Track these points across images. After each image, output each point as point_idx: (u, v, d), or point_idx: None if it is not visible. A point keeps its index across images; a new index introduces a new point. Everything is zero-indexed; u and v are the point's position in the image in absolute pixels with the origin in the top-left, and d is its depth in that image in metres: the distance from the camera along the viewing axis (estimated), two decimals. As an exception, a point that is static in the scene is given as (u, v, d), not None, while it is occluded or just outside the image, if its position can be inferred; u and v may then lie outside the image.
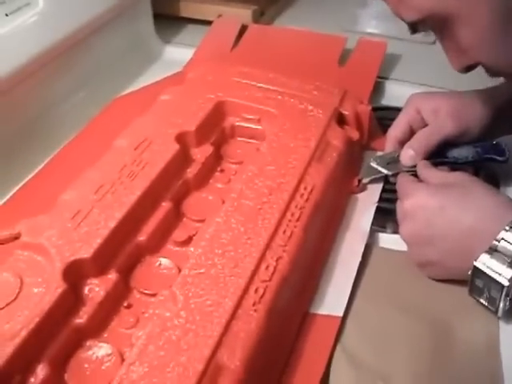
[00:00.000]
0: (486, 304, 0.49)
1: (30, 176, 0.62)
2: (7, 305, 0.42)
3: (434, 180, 0.55)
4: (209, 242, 0.47)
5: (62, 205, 0.50)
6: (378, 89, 0.79)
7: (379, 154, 0.62)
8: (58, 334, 0.42)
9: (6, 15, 0.60)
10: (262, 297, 0.43)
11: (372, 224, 0.58)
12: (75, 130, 0.68)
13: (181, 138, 0.57)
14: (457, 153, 0.60)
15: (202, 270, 0.44)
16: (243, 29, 0.86)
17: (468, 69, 0.51)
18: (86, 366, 0.42)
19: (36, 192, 0.58)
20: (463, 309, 0.50)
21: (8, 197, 0.59)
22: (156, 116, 0.60)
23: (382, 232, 0.58)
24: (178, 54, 0.87)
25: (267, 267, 0.45)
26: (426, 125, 0.60)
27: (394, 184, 0.58)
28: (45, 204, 0.51)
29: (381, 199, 0.60)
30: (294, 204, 0.51)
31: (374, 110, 0.69)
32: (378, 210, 0.59)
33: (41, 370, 0.40)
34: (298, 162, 0.54)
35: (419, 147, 0.58)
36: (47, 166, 0.63)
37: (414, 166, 0.58)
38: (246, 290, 0.43)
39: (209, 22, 0.89)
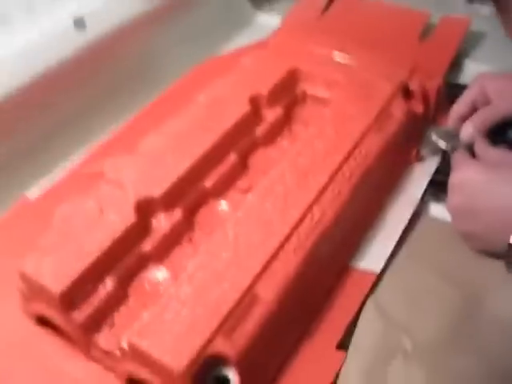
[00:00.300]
0: None
1: (123, 121, 0.70)
2: (87, 228, 0.50)
3: (488, 157, 0.58)
4: (264, 191, 0.53)
5: (142, 148, 0.57)
6: (457, 66, 0.81)
7: (441, 128, 0.65)
8: (126, 256, 0.49)
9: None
10: (303, 243, 0.48)
11: (427, 194, 0.62)
12: (168, 85, 0.75)
13: (253, 100, 0.63)
14: None
15: (252, 214, 0.50)
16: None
17: None
18: (146, 284, 0.49)
19: (125, 137, 0.66)
20: (499, 283, 0.53)
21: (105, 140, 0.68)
22: (235, 78, 0.66)
23: (436, 202, 0.62)
24: (269, 20, 0.92)
25: (312, 218, 0.50)
26: (489, 104, 0.63)
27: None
28: (130, 147, 0.58)
29: (438, 172, 0.64)
30: (347, 166, 0.55)
31: (449, 86, 0.72)
32: (435, 182, 0.63)
33: (109, 282, 0.47)
34: (356, 128, 0.59)
35: (479, 123, 0.61)
36: (138, 116, 0.70)
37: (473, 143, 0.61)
38: (289, 236, 0.48)
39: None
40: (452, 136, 0.63)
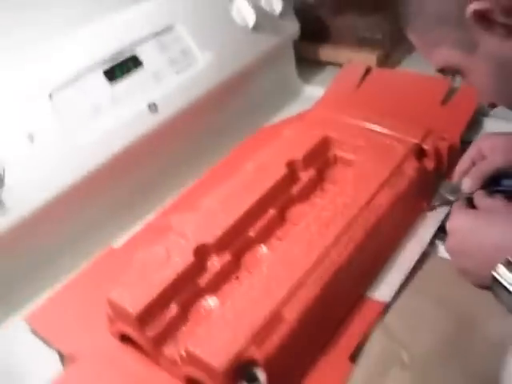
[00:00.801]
0: (506, 307, 0.63)
1: (188, 185, 0.87)
2: (158, 267, 0.65)
3: (484, 206, 0.70)
4: (293, 238, 0.67)
5: (201, 206, 0.73)
6: (475, 125, 0.94)
7: (449, 183, 0.78)
8: (186, 288, 0.65)
9: (177, 73, 0.86)
10: (321, 277, 0.62)
11: (437, 238, 0.74)
12: (223, 154, 0.92)
13: (290, 164, 0.78)
14: (510, 182, 0.74)
15: (283, 255, 0.65)
16: (369, 71, 1.05)
17: (492, 105, 0.68)
18: (202, 310, 0.65)
19: (188, 198, 0.83)
20: (490, 312, 0.64)
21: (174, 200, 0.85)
22: (275, 147, 0.82)
23: (443, 245, 0.74)
24: (314, 92, 1.07)
25: (329, 258, 0.64)
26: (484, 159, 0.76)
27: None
28: (192, 206, 0.75)
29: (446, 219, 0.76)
30: (362, 216, 0.69)
31: (467, 143, 0.84)
32: (444, 229, 0.75)
33: (173, 308, 0.63)
34: (372, 185, 0.72)
35: (475, 176, 0.73)
36: (202, 180, 0.87)
37: (472, 193, 0.74)
38: (310, 271, 0.63)
39: (342, 65, 1.09)
40: (457, 189, 0.76)
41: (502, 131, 0.80)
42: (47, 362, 0.68)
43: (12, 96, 0.74)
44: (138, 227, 0.83)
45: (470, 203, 0.73)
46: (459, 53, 0.62)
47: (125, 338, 0.66)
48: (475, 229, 0.65)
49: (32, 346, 0.71)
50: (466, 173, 0.76)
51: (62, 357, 0.68)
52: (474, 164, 0.76)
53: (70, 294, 0.74)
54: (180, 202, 0.83)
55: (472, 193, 0.73)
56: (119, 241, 0.81)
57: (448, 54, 0.63)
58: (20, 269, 0.76)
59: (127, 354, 0.65)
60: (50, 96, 0.76)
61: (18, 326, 0.73)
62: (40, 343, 0.71)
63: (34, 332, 0.72)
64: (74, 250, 0.79)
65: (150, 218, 0.83)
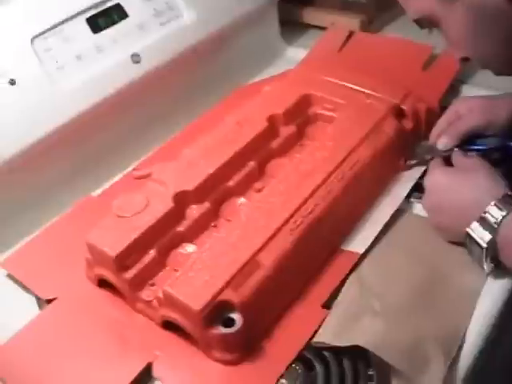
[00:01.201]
0: (477, 263, 0.65)
1: (170, 138, 0.87)
2: (137, 213, 0.66)
3: (460, 164, 0.72)
4: (271, 189, 0.68)
5: (181, 156, 0.74)
6: (454, 91, 0.95)
7: (425, 143, 0.79)
8: (165, 234, 0.65)
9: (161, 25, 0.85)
10: (297, 227, 0.64)
11: (412, 196, 0.76)
12: (205, 108, 0.92)
13: (271, 119, 0.79)
14: (484, 142, 0.75)
15: (261, 205, 0.66)
16: (351, 35, 1.05)
17: (464, 59, 0.68)
18: (179, 256, 0.65)
19: (171, 149, 0.83)
20: (462, 265, 0.66)
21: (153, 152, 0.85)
22: (257, 102, 0.82)
23: (419, 203, 0.76)
24: (297, 54, 1.07)
25: (306, 209, 0.65)
26: None
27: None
28: (173, 156, 0.75)
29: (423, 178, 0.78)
30: (340, 170, 0.70)
31: (444, 108, 0.85)
32: (421, 186, 0.77)
33: (151, 253, 0.64)
34: (351, 141, 0.73)
35: (451, 134, 0.75)
36: (181, 133, 0.88)
37: (447, 152, 0.75)
38: (287, 221, 0.64)
39: (325, 28, 1.09)
40: (432, 149, 0.77)
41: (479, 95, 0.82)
42: (24, 307, 0.68)
43: (-7, 40, 0.74)
44: (117, 178, 0.83)
45: (447, 162, 0.74)
46: (438, 1, 0.62)
47: (102, 284, 0.67)
48: (452, 185, 0.67)
49: (8, 291, 0.71)
50: (441, 134, 0.77)
51: (39, 302, 0.69)
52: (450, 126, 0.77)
53: (47, 239, 0.75)
54: (160, 154, 0.83)
55: (447, 151, 0.75)
56: (99, 191, 0.82)
57: (427, 2, 0.63)
58: (-2, 215, 0.76)
59: (104, 298, 0.66)
60: (32, 41, 0.76)
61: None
62: (17, 288, 0.71)
63: (11, 276, 0.72)
64: (52, 199, 0.79)
65: (129, 169, 0.83)
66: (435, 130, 0.78)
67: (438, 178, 0.69)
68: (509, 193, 0.63)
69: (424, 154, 0.78)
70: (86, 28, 0.80)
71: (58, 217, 0.78)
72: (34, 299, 0.69)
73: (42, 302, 0.68)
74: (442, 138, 0.75)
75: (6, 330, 0.64)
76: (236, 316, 0.57)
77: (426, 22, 0.67)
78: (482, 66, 0.69)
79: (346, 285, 0.64)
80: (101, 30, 0.81)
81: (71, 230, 0.75)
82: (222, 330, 0.56)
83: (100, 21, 0.82)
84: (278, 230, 0.63)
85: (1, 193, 0.75)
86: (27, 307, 0.69)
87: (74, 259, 0.70)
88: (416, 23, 0.68)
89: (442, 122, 0.78)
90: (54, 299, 0.67)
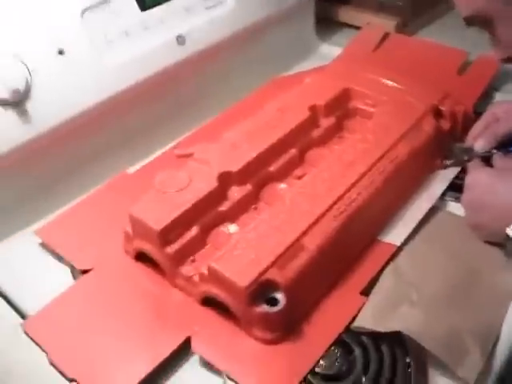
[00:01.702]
0: None
1: (206, 120, 0.88)
2: (180, 190, 0.66)
3: (500, 165, 0.72)
4: (314, 176, 0.69)
5: (224, 138, 0.74)
6: (488, 97, 0.96)
7: (462, 144, 0.80)
8: (208, 213, 0.66)
9: (206, 9, 0.86)
10: (341, 213, 0.64)
11: (447, 195, 0.76)
12: (241, 97, 0.93)
13: (312, 109, 0.79)
14: None
15: (305, 190, 0.66)
16: (386, 36, 1.06)
17: (507, 60, 0.68)
18: (221, 235, 0.66)
19: (211, 130, 0.84)
20: (498, 264, 0.67)
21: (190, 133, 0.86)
22: (299, 92, 0.83)
23: (454, 202, 0.77)
24: (330, 50, 1.08)
25: (350, 197, 0.66)
26: None
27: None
28: (214, 138, 0.76)
29: (458, 178, 0.78)
30: (381, 163, 0.71)
31: (478, 114, 0.86)
32: (455, 186, 0.77)
33: (194, 229, 0.64)
34: (391, 137, 0.74)
35: (488, 136, 0.76)
36: (219, 116, 0.89)
37: (484, 154, 0.75)
38: (331, 207, 0.64)
39: (360, 28, 1.10)
40: (469, 150, 0.78)
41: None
42: (58, 277, 0.69)
43: (45, 10, 0.74)
44: (154, 157, 0.83)
45: (485, 163, 0.75)
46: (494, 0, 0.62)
47: (139, 258, 0.67)
48: (492, 185, 0.67)
49: (43, 260, 0.71)
50: (479, 136, 0.78)
51: (74, 272, 0.69)
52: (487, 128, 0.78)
53: (82, 211, 0.75)
54: (199, 135, 0.84)
55: (484, 153, 0.75)
56: (135, 168, 0.82)
57: (481, 0, 0.64)
58: (34, 184, 0.77)
59: (141, 271, 0.67)
60: (82, 14, 0.76)
61: (28, 239, 0.73)
62: (50, 257, 0.71)
63: (45, 246, 0.72)
64: (88, 172, 0.80)
65: (167, 148, 0.84)
66: (472, 132, 0.78)
67: (480, 177, 0.70)
68: None
69: (461, 154, 0.79)
70: (134, 5, 0.81)
71: (94, 190, 0.78)
72: (67, 270, 0.70)
73: (77, 273, 0.68)
74: (479, 140, 0.76)
75: (41, 300, 0.65)
76: (280, 296, 0.57)
77: (477, 21, 0.68)
78: None
79: (384, 275, 0.65)
80: (148, 7, 0.82)
81: (107, 203, 0.76)
82: (266, 308, 0.57)
83: (148, -1, 0.82)
84: (322, 215, 0.63)
85: (39, 160, 0.75)
86: (61, 277, 0.69)
87: (109, 232, 0.71)
88: (465, 21, 0.68)
89: (479, 125, 0.79)
90: (90, 270, 0.67)
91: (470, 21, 0.68)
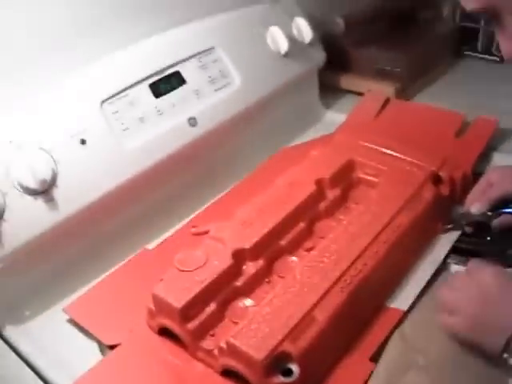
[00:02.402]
0: None
1: (219, 195, 0.94)
2: (197, 268, 0.72)
3: (471, 267, 0.70)
4: (322, 249, 0.74)
5: (237, 216, 0.80)
6: (487, 158, 1.01)
7: (459, 208, 0.85)
8: (224, 289, 0.71)
9: (215, 91, 0.93)
10: (348, 285, 0.69)
11: (449, 258, 0.81)
12: (251, 170, 0.99)
13: (319, 182, 0.85)
14: None
15: (314, 264, 0.71)
16: (387, 101, 1.12)
17: None
18: (238, 309, 0.71)
19: (221, 209, 0.89)
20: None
21: (204, 209, 0.92)
22: (305, 166, 0.89)
23: (455, 264, 0.81)
24: (335, 118, 1.14)
25: (356, 269, 0.71)
26: None
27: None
28: (227, 215, 0.81)
29: (460, 241, 0.83)
30: (385, 233, 0.76)
31: (478, 175, 0.91)
32: (458, 249, 0.82)
33: (212, 305, 0.69)
34: (393, 206, 0.79)
35: (483, 200, 0.81)
36: (232, 190, 0.94)
37: (480, 217, 0.81)
38: (338, 279, 0.69)
39: (361, 94, 1.16)
40: (467, 214, 0.83)
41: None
42: (86, 353, 0.73)
43: (68, 104, 0.81)
44: (169, 232, 0.89)
45: (478, 227, 0.81)
46: None
47: (162, 333, 0.72)
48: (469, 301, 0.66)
49: (71, 336, 0.76)
50: (475, 201, 0.83)
51: (101, 347, 0.74)
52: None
53: (107, 287, 0.80)
54: (211, 211, 0.90)
55: (480, 216, 0.81)
56: (153, 244, 0.88)
57: None
58: (60, 264, 0.82)
59: (165, 345, 0.71)
60: (101, 105, 0.83)
61: (56, 315, 0.78)
62: (78, 333, 0.76)
63: (72, 322, 0.77)
64: (111, 250, 0.85)
65: (182, 224, 0.89)
66: (470, 198, 0.84)
67: (457, 295, 0.68)
68: None
69: (459, 219, 0.84)
70: (149, 93, 0.88)
71: (116, 267, 0.84)
72: (95, 345, 0.74)
73: (105, 348, 0.73)
74: (475, 203, 0.81)
75: (71, 374, 0.69)
76: (294, 366, 0.62)
77: (484, 14, 0.68)
78: None
79: (391, 341, 0.69)
80: (162, 94, 0.89)
81: (129, 280, 0.81)
82: (282, 379, 0.61)
83: (161, 86, 0.89)
84: (331, 287, 0.68)
85: (65, 242, 0.81)
86: (89, 352, 0.73)
87: (133, 308, 0.76)
88: (471, 12, 0.65)
89: (475, 190, 0.84)
90: (117, 345, 0.72)
91: (478, 13, 0.66)
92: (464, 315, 0.66)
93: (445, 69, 1.28)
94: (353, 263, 0.71)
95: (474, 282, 0.67)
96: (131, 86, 0.87)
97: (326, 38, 1.16)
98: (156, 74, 0.89)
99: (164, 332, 0.72)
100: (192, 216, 0.91)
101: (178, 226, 0.90)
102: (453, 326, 0.67)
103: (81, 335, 0.76)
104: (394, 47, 1.18)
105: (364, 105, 1.12)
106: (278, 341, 0.62)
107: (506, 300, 0.64)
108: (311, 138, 1.08)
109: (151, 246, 0.88)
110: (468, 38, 1.33)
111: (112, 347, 0.72)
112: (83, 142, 0.80)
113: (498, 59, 1.26)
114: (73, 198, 0.79)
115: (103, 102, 0.83)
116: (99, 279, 0.83)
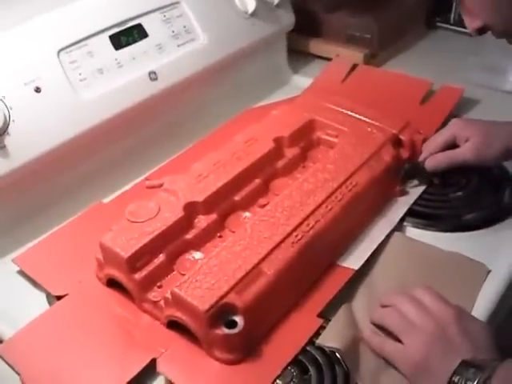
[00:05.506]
0: None
1: (179, 152, 0.93)
2: (149, 219, 0.70)
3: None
4: (276, 205, 0.73)
5: (191, 170, 0.78)
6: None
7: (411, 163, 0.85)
8: (174, 241, 0.70)
9: (178, 46, 0.91)
10: (299, 240, 0.68)
11: (405, 220, 0.81)
12: (214, 128, 0.97)
13: (277, 140, 0.84)
14: None
15: (266, 218, 0.70)
16: (354, 67, 1.11)
17: (479, 31, 0.67)
18: (187, 262, 0.70)
19: (181, 162, 0.88)
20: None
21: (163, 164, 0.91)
22: (265, 124, 0.88)
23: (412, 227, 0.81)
24: (302, 82, 1.13)
25: (308, 224, 0.70)
26: (457, 146, 0.82)
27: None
28: (183, 169, 0.80)
29: (417, 204, 0.83)
30: (340, 191, 0.75)
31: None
32: (414, 212, 0.82)
33: (161, 257, 0.68)
34: (350, 166, 0.79)
35: (442, 161, 0.81)
36: (191, 148, 0.93)
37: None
38: (289, 234, 0.68)
39: (330, 59, 1.15)
40: (418, 167, 0.84)
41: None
42: (34, 303, 0.72)
43: (23, 51, 0.79)
44: (127, 187, 0.88)
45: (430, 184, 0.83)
46: None
47: (110, 284, 0.71)
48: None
49: (20, 288, 0.75)
50: (433, 153, 0.83)
51: (49, 298, 0.73)
52: (445, 148, 0.83)
53: (58, 239, 0.79)
54: (170, 166, 0.89)
55: (432, 173, 0.82)
56: (109, 198, 0.86)
57: None
58: (11, 215, 0.80)
59: (112, 297, 0.70)
60: (58, 53, 0.81)
61: (5, 267, 0.77)
62: (27, 284, 0.75)
63: (22, 273, 0.76)
64: (65, 203, 0.84)
65: (140, 179, 0.88)
66: (429, 146, 0.84)
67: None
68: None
69: (410, 172, 0.83)
70: (109, 44, 0.86)
71: (70, 220, 0.82)
72: (43, 295, 0.73)
73: (52, 298, 0.72)
74: (432, 160, 0.81)
75: (17, 324, 0.68)
76: (238, 318, 0.61)
77: None
78: (498, 35, 0.68)
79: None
80: (122, 47, 0.87)
81: (82, 232, 0.80)
82: (225, 330, 0.60)
83: (122, 38, 0.87)
84: (281, 242, 0.67)
85: (17, 193, 0.80)
86: (37, 303, 0.72)
87: (83, 259, 0.74)
88: None
89: (437, 142, 0.83)
90: (65, 296, 0.71)
91: None
92: (410, 348, 0.59)
93: (416, 39, 1.26)
94: (305, 219, 0.70)
95: (430, 317, 0.61)
96: (90, 37, 0.85)
97: (296, 1, 1.14)
98: (117, 25, 0.87)
99: (113, 284, 0.71)
100: (151, 171, 0.90)
101: (137, 181, 0.89)
102: (391, 353, 0.61)
103: (31, 287, 0.75)
104: (365, 13, 1.17)
105: (331, 69, 1.11)
106: (223, 292, 0.61)
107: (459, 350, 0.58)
108: (277, 100, 1.07)
109: (107, 200, 0.86)
110: (441, 10, 1.32)
111: (59, 298, 0.71)
112: (38, 89, 0.78)
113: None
114: (26, 146, 0.77)
115: (60, 50, 0.81)
116: (53, 232, 0.81)
